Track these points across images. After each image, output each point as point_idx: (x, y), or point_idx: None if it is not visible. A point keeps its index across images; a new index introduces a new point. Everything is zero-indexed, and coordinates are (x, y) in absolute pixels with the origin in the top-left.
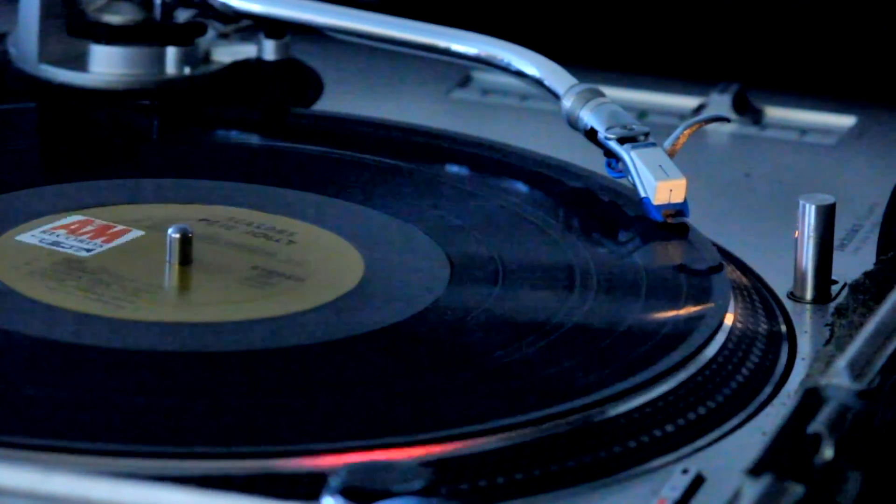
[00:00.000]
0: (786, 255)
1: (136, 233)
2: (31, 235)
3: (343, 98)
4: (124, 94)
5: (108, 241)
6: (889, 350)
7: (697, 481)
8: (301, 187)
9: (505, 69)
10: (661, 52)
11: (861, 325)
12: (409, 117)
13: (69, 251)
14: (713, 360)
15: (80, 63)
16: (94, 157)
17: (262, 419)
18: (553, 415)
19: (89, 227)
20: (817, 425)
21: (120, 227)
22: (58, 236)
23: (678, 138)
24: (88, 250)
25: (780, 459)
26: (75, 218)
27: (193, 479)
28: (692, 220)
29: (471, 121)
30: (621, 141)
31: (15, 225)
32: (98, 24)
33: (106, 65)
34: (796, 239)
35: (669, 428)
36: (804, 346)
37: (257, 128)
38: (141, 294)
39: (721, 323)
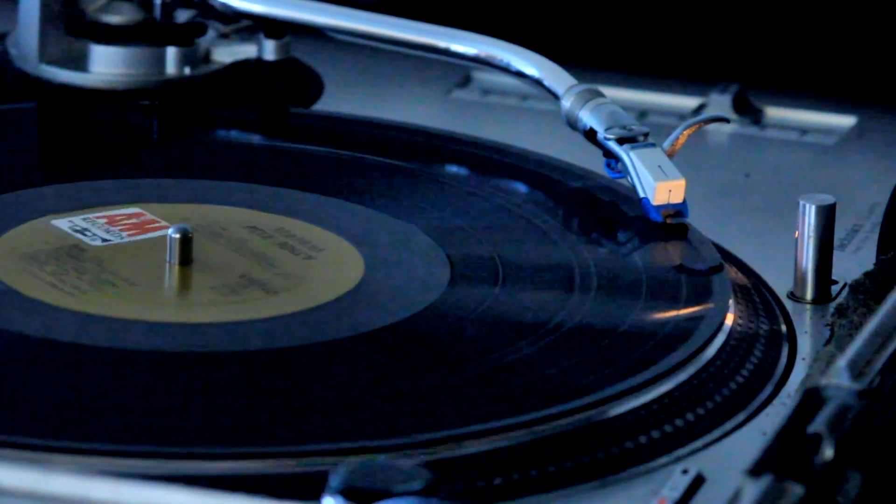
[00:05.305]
0: (786, 255)
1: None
2: (68, 220)
3: (343, 98)
4: (124, 94)
5: (133, 235)
6: (889, 350)
7: (697, 481)
8: (301, 187)
9: (505, 69)
10: (661, 52)
11: (861, 325)
12: (409, 117)
13: (83, 238)
14: (713, 360)
15: (80, 63)
16: (95, 158)
17: (262, 419)
18: (553, 415)
19: (132, 220)
20: (817, 425)
21: (162, 223)
22: (93, 224)
23: (678, 138)
24: (105, 240)
25: (780, 459)
26: (130, 210)
27: (194, 479)
28: (692, 220)
29: (471, 121)
30: (620, 141)
31: (15, 224)
32: (98, 24)
33: (106, 65)
34: (796, 239)
35: (669, 428)
36: (804, 346)
37: (257, 128)
38: (105, 287)
39: (721, 323)
